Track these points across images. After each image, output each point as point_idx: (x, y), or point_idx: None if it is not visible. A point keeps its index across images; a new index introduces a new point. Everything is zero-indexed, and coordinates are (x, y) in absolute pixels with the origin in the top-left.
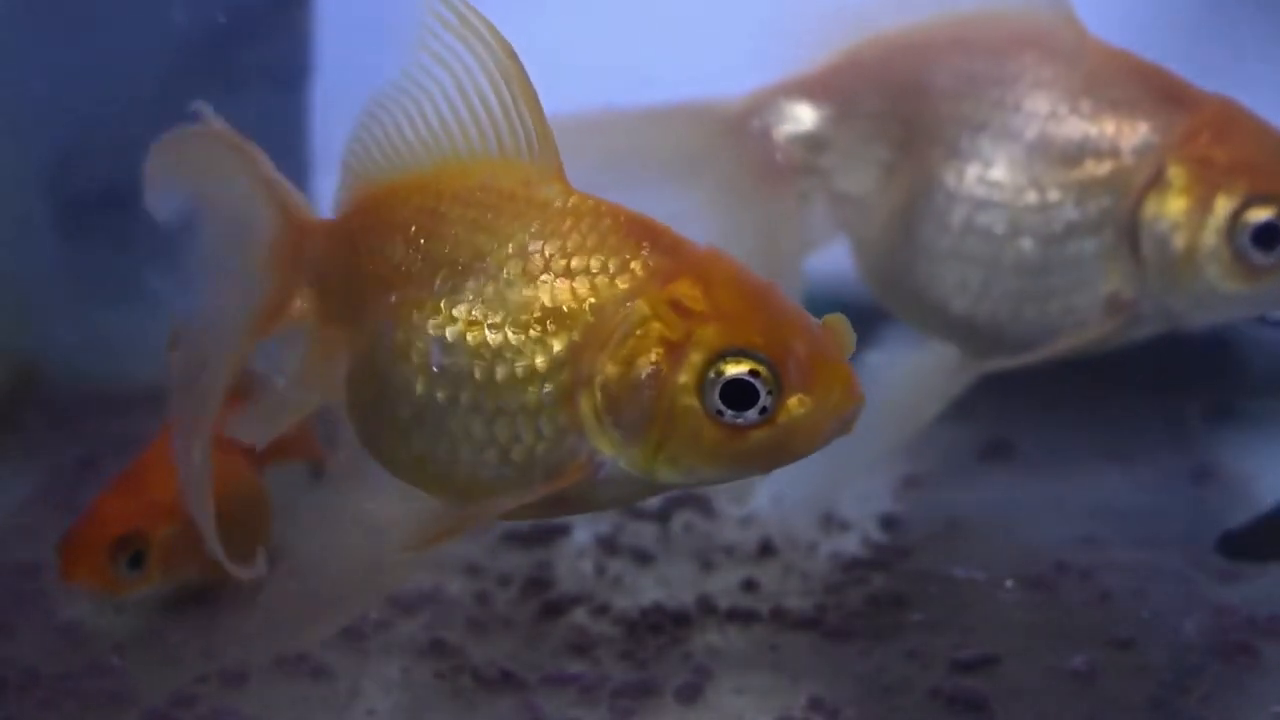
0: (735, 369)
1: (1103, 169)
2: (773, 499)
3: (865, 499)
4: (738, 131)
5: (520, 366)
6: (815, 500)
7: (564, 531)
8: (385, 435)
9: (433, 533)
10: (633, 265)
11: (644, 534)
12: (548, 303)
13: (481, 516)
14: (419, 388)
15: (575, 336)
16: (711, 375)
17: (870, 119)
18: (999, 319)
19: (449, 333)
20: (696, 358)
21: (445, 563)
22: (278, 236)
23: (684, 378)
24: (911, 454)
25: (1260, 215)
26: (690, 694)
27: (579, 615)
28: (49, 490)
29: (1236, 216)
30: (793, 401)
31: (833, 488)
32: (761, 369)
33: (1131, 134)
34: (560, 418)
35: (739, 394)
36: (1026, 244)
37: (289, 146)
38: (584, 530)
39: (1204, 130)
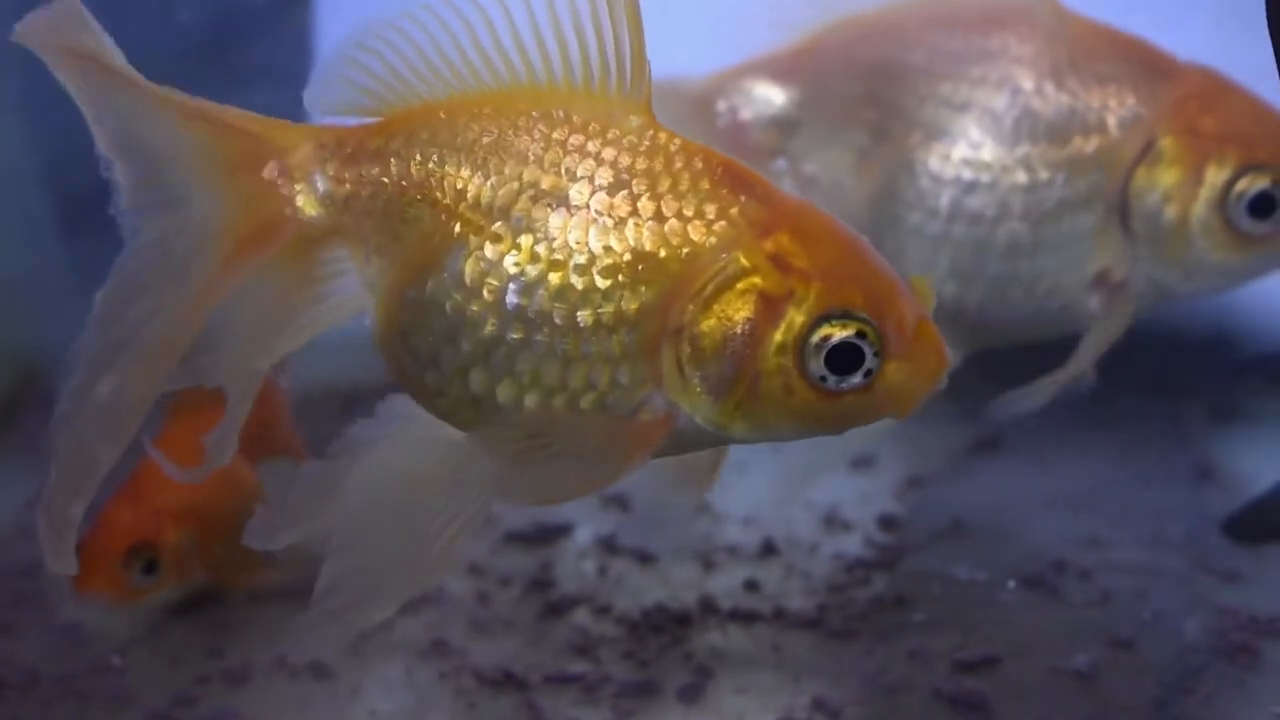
0: (842, 332)
1: (1091, 144)
2: (772, 500)
3: (867, 499)
4: (703, 112)
5: (607, 312)
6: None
7: (565, 532)
8: (431, 371)
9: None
10: (731, 212)
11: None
12: (638, 246)
13: (573, 487)
14: (488, 326)
15: (666, 284)
16: (816, 338)
17: (842, 101)
18: (985, 304)
19: (530, 271)
20: (798, 317)
21: None
22: (216, 144)
23: (781, 336)
24: (913, 454)
25: (1256, 184)
26: (692, 694)
27: (581, 615)
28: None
29: (1230, 186)
30: (891, 366)
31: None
32: (869, 331)
33: (1118, 107)
34: (641, 367)
35: (844, 358)
36: (1016, 225)
37: None
38: (586, 530)
39: (1191, 100)
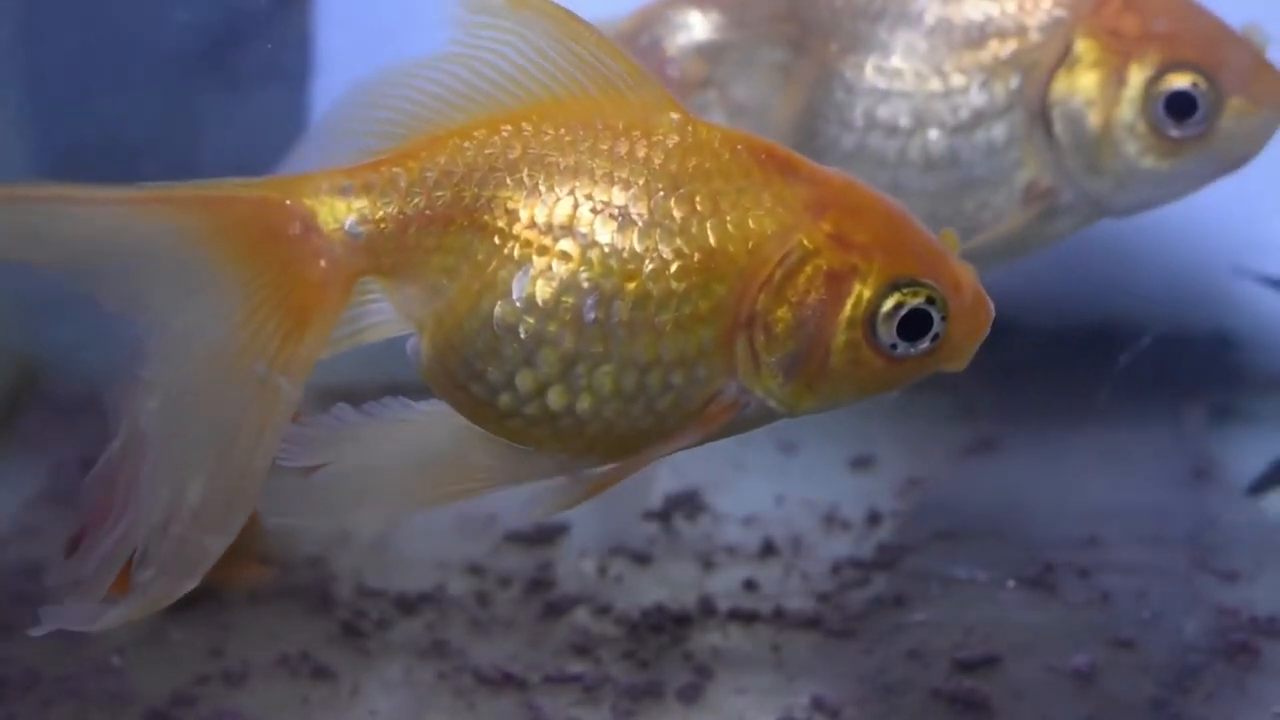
0: (913, 300)
1: (1007, 48)
2: (774, 499)
3: (867, 499)
4: (627, 50)
5: (685, 314)
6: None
7: (565, 531)
8: (505, 394)
9: (570, 497)
10: (785, 197)
11: (645, 534)
12: (706, 244)
13: (625, 474)
14: (566, 344)
15: (737, 277)
16: (887, 308)
17: (762, 21)
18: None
19: (605, 285)
20: (865, 291)
21: (447, 562)
22: (227, 225)
23: (849, 312)
24: (913, 454)
25: (1175, 83)
26: (692, 694)
27: (580, 615)
28: (50, 490)
29: (1151, 86)
30: (952, 326)
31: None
32: (936, 296)
33: (1035, 9)
34: (716, 362)
35: (914, 324)
36: (933, 135)
37: (289, 147)
38: (586, 530)
39: (1112, 1)
